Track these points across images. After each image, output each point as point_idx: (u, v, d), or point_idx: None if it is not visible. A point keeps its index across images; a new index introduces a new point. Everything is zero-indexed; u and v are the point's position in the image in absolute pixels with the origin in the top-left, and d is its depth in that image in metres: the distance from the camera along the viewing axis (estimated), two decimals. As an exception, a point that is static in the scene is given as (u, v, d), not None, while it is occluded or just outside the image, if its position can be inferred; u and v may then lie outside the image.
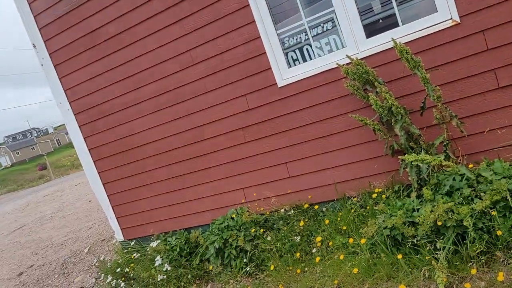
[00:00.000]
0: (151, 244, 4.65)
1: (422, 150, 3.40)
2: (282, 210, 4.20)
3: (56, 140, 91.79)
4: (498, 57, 3.27)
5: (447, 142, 3.31)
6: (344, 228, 3.65)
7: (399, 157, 3.23)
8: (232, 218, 4.33)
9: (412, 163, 3.19)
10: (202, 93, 4.42)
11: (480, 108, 3.40)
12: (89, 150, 5.24)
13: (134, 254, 4.88)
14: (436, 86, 3.21)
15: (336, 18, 3.76)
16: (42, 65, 5.17)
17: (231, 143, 4.45)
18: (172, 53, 4.45)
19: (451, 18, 3.35)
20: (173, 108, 4.63)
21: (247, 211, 4.39)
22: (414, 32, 3.49)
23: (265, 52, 4.03)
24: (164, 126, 4.74)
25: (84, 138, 5.23)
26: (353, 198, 3.94)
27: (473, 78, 3.38)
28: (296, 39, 4.01)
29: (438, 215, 2.89)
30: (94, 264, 5.88)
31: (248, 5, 3.96)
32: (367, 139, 3.84)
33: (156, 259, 4.40)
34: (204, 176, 4.69)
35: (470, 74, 3.38)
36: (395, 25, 3.61)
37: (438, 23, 3.41)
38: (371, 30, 3.72)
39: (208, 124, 4.50)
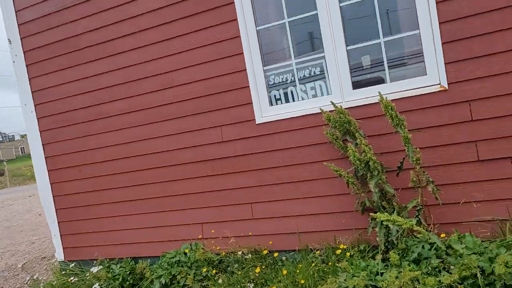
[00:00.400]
0: (91, 269, 4.26)
1: (395, 211, 3.25)
2: (240, 252, 3.93)
3: (21, 148, 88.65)
4: (481, 130, 3.22)
5: (421, 207, 3.18)
6: (302, 282, 3.40)
7: (370, 214, 3.07)
8: (185, 254, 4.02)
9: (383, 223, 3.03)
10: (176, 117, 4.23)
11: (458, 178, 3.31)
12: (45, 158, 4.90)
13: (72, 278, 4.45)
14: (416, 148, 3.12)
15: (326, 64, 3.70)
16: (13, 62, 4.90)
17: (197, 174, 4.22)
18: (153, 71, 4.28)
19: (440, 84, 3.32)
20: (143, 128, 4.41)
21: (203, 248, 4.10)
22: (401, 91, 3.43)
23: (248, 86, 3.91)
24: (130, 145, 4.49)
25: (42, 145, 4.90)
26: (316, 251, 3.73)
27: (454, 147, 3.31)
28: (282, 78, 3.91)
29: (403, 282, 2.71)
30: (27, 283, 5.36)
31: (239, 36, 3.87)
32: (339, 192, 3.69)
33: (94, 287, 4.01)
34: (162, 204, 4.41)
35: (451, 142, 3.31)
36: (383, 81, 3.57)
37: (426, 86, 3.37)
38: (358, 81, 3.66)
39: (177, 150, 4.28)
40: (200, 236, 4.24)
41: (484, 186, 3.24)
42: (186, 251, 4.04)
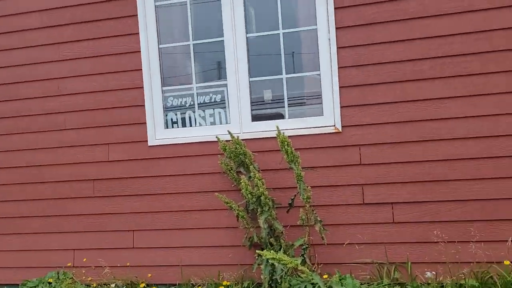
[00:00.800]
0: None
1: (281, 249, 3.20)
2: (113, 285, 3.57)
3: None
4: (368, 174, 3.34)
5: (307, 246, 3.18)
6: (179, 320, 3.17)
7: (256, 251, 2.97)
8: (50, 283, 3.58)
9: (269, 260, 2.96)
10: (59, 129, 3.84)
11: (343, 219, 3.37)
12: None
13: None
14: (308, 186, 3.13)
15: (227, 92, 3.62)
16: None
17: (77, 194, 3.83)
18: (38, 76, 3.88)
19: (334, 125, 3.40)
20: (20, 137, 3.94)
21: (72, 278, 3.67)
22: (298, 129, 3.46)
23: (143, 105, 3.68)
24: (2, 155, 3.97)
25: None
26: (198, 286, 3.52)
27: (343, 188, 3.38)
28: (181, 101, 3.75)
29: (283, 324, 2.62)
30: None
31: (139, 51, 3.66)
32: (228, 225, 3.55)
33: None
34: (31, 225, 3.91)
35: (340, 184, 3.38)
36: (282, 116, 3.59)
37: (321, 127, 3.43)
38: (258, 114, 3.65)
39: (56, 166, 3.85)
40: (69, 264, 3.79)
41: (366, 228, 3.33)
42: (51, 280, 3.59)
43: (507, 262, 2.92)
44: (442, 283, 3.09)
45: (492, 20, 3.09)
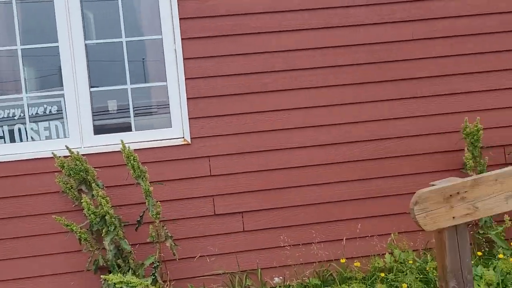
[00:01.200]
0: None
1: (130, 269, 3.03)
2: None
3: None
4: (219, 185, 3.36)
5: (158, 264, 3.05)
6: None
7: (101, 276, 2.75)
8: None
9: (116, 285, 2.76)
10: None
11: (195, 232, 3.34)
12: None
13: None
14: (157, 202, 3.01)
15: (64, 103, 3.30)
16: None
17: None
18: None
19: (183, 137, 3.36)
20: None
21: None
22: (147, 141, 3.33)
23: (-40, 119, 3.15)
24: None
25: None
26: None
27: (194, 201, 3.35)
28: (9, 113, 3.31)
29: None
30: None
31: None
32: (70, 249, 3.22)
33: None
34: None
35: (191, 196, 3.34)
36: (129, 129, 3.41)
37: (170, 139, 3.35)
38: (101, 127, 3.42)
39: None
40: None
41: (218, 239, 3.35)
42: None
43: (343, 260, 3.21)
44: (289, 286, 3.25)
45: (327, 38, 3.38)
